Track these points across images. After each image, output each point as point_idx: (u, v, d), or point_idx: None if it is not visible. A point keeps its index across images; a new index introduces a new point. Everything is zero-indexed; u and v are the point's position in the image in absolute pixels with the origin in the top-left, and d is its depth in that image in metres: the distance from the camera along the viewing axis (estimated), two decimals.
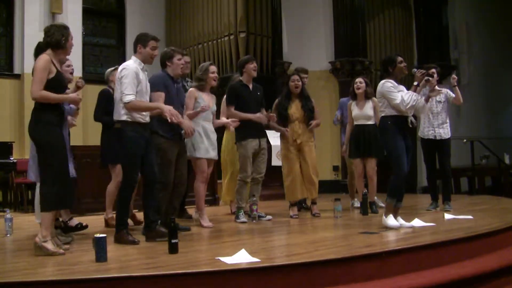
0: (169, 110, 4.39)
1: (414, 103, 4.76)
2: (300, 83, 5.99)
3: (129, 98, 4.30)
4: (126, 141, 4.35)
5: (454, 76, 6.36)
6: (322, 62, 10.66)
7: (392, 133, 4.85)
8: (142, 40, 4.52)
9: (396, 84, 4.90)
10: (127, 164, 4.42)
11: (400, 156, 4.80)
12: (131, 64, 4.44)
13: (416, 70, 4.93)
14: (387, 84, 4.88)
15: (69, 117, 4.93)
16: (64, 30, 3.99)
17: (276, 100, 6.13)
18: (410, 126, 4.94)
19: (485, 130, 13.29)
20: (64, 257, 3.74)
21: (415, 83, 4.86)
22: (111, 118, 5.24)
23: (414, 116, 5.70)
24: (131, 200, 4.66)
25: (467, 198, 8.28)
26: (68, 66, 5.09)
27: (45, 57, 3.88)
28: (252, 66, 5.74)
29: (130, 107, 4.32)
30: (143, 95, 4.46)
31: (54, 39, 3.95)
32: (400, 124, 4.87)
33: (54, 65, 3.92)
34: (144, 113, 4.45)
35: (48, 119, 3.85)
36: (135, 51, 4.54)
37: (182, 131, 5.57)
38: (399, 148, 4.82)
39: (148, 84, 4.59)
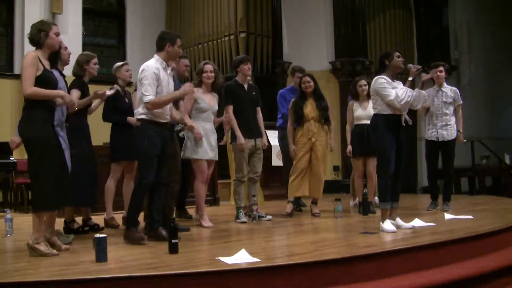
0: (184, 91, 4.49)
1: (409, 99, 4.65)
2: (311, 83, 6.04)
3: (148, 98, 4.29)
4: (143, 139, 4.34)
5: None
6: (322, 62, 10.64)
7: (382, 132, 4.76)
8: (170, 38, 4.49)
9: (390, 80, 4.79)
10: (142, 163, 4.42)
11: (388, 156, 4.73)
12: (152, 65, 4.41)
13: (411, 65, 4.83)
14: (380, 80, 4.77)
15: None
16: (42, 25, 3.90)
17: (293, 100, 6.21)
18: (404, 124, 4.80)
19: (486, 130, 13.27)
20: (65, 257, 3.74)
21: (410, 79, 4.77)
22: (121, 116, 5.25)
23: (412, 114, 5.60)
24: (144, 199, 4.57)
25: (467, 198, 8.27)
26: (95, 64, 5.12)
27: (31, 53, 3.83)
28: (246, 67, 5.74)
29: (151, 106, 4.32)
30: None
31: (30, 37, 3.90)
32: (392, 123, 4.76)
33: (41, 62, 3.85)
34: (165, 113, 4.46)
35: (38, 116, 3.80)
36: (160, 50, 4.49)
37: (182, 133, 5.58)
38: (388, 148, 4.73)
39: (172, 83, 4.59)
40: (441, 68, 6.28)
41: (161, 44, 4.51)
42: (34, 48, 3.93)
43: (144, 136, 4.34)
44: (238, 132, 5.62)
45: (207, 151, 5.32)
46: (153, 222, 4.45)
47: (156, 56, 4.52)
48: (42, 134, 3.80)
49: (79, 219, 5.17)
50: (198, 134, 5.23)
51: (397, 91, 4.68)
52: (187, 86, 4.56)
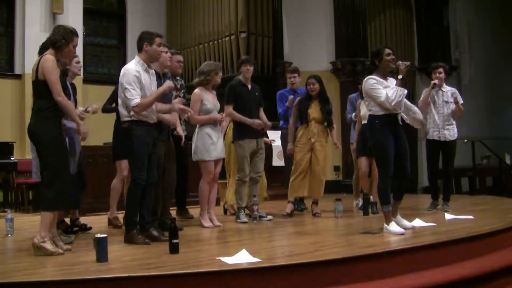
0: (167, 87, 4.45)
1: (400, 99, 4.50)
2: (316, 86, 6.05)
3: (135, 102, 4.27)
4: (133, 139, 4.33)
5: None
6: (323, 62, 10.65)
7: (379, 133, 4.62)
8: (147, 38, 4.45)
9: (381, 79, 4.63)
10: (134, 163, 4.40)
11: (387, 158, 4.60)
12: (131, 68, 4.37)
13: (401, 63, 4.63)
14: (369, 81, 4.62)
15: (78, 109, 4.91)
16: (68, 33, 3.94)
17: (298, 98, 6.23)
18: (401, 123, 4.70)
19: (486, 130, 13.27)
20: (65, 257, 3.74)
21: (400, 77, 4.58)
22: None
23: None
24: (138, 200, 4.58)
25: (468, 198, 8.26)
26: (78, 62, 5.11)
27: (50, 57, 3.85)
28: (245, 69, 5.77)
29: (140, 109, 4.29)
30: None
31: (52, 38, 3.92)
32: (389, 123, 4.62)
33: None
34: (152, 114, 4.44)
35: (48, 117, 3.84)
36: (140, 50, 4.47)
37: (175, 132, 5.56)
38: (386, 149, 4.60)
39: (155, 83, 4.54)
40: (441, 70, 6.27)
41: (139, 45, 4.47)
42: (39, 47, 3.95)
43: (134, 136, 4.32)
44: (244, 118, 5.61)
45: (215, 151, 5.31)
46: (144, 223, 4.43)
47: (136, 58, 4.47)
48: (52, 136, 3.83)
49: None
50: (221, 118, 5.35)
51: (387, 92, 4.53)
52: (169, 82, 4.53)
